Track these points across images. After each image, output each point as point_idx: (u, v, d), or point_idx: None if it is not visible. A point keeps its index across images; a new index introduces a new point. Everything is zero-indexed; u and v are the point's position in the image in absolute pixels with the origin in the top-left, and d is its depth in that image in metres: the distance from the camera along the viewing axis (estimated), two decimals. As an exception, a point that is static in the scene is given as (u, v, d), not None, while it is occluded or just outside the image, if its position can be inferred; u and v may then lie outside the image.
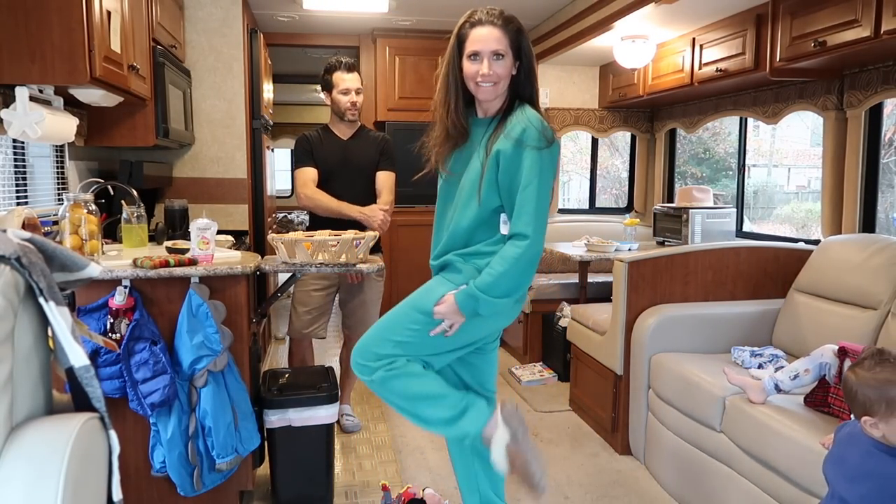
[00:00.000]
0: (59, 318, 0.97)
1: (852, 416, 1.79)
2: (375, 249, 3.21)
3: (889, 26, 2.39)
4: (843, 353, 2.06)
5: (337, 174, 3.24)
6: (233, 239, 3.37)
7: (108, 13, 2.50)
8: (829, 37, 2.65)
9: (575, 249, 4.01)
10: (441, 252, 2.03)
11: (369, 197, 3.24)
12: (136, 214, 2.81)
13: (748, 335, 2.93)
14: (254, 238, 4.30)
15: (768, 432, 2.13)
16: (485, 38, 1.88)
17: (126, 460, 2.36)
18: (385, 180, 3.29)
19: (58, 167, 3.16)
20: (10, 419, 0.91)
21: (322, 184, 3.22)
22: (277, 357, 4.90)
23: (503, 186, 1.89)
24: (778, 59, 2.98)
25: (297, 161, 3.26)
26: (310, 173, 3.22)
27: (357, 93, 3.20)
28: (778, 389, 2.22)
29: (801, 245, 3.24)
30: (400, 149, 3.29)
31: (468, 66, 1.91)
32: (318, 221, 3.21)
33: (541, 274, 4.63)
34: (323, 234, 2.64)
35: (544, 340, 4.43)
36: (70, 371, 1.00)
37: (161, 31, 3.30)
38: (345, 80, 3.19)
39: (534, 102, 1.96)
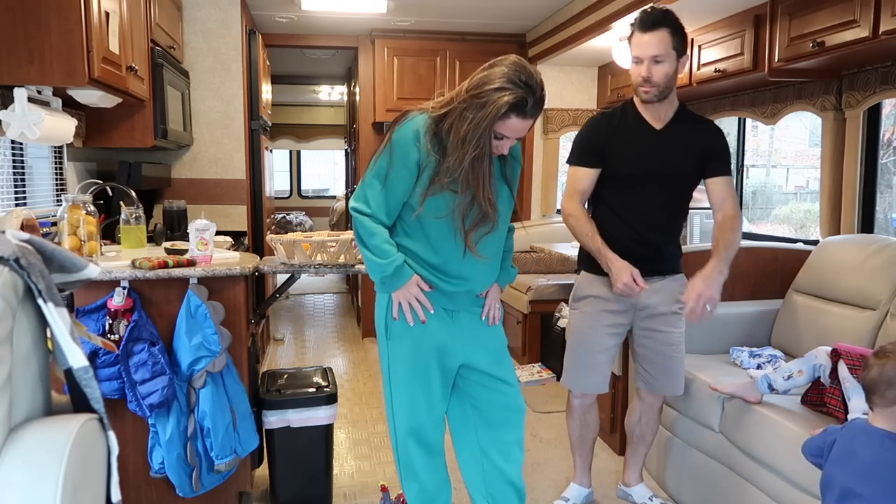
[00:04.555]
0: (58, 319, 0.97)
1: (860, 414, 1.81)
2: None
3: (887, 27, 2.39)
4: (835, 354, 2.06)
5: (638, 181, 2.35)
6: (231, 240, 3.37)
7: (107, 14, 2.50)
8: (828, 37, 2.65)
9: (573, 250, 4.00)
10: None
11: (678, 221, 2.45)
12: (134, 215, 2.81)
13: (747, 336, 2.93)
14: (252, 239, 4.29)
15: (766, 432, 2.13)
16: (520, 129, 1.85)
17: (125, 461, 2.36)
18: (724, 194, 2.37)
19: (56, 168, 3.15)
20: (9, 420, 0.91)
21: (614, 193, 2.39)
22: (276, 358, 4.90)
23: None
24: (776, 60, 2.98)
25: (572, 154, 2.43)
26: (583, 177, 2.39)
27: (657, 61, 2.20)
28: (771, 389, 2.23)
29: (800, 245, 3.24)
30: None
31: (494, 142, 1.87)
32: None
33: (539, 274, 4.63)
34: (321, 235, 2.64)
35: (543, 341, 4.44)
36: (69, 372, 1.00)
37: (159, 31, 3.30)
38: (636, 42, 2.24)
39: None
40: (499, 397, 2.05)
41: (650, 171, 2.34)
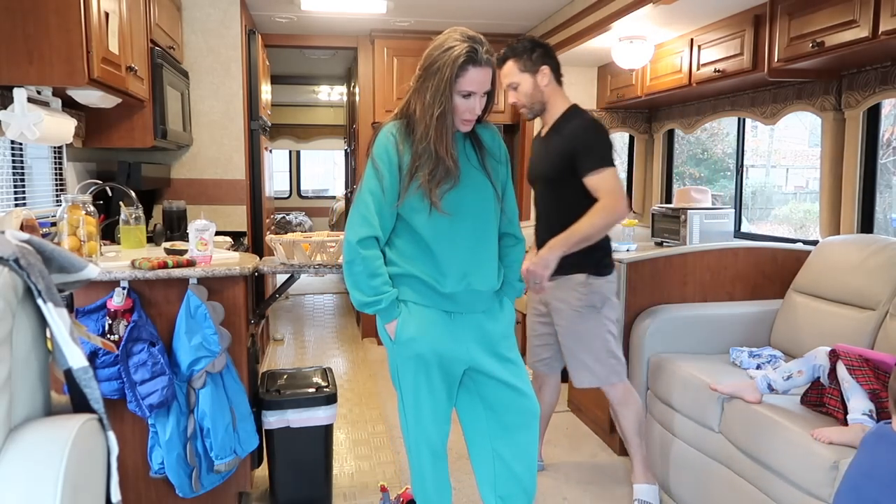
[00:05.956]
0: (58, 319, 0.97)
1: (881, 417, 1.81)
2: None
3: (887, 27, 2.39)
4: (834, 355, 2.07)
5: (533, 184, 2.76)
6: (231, 240, 3.37)
7: (106, 14, 2.50)
8: (828, 37, 2.65)
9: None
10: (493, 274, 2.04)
11: (561, 221, 2.48)
12: (134, 216, 2.81)
13: (746, 336, 2.93)
14: (252, 239, 4.29)
15: (766, 433, 2.13)
16: (482, 80, 1.87)
17: (124, 461, 2.36)
18: (592, 189, 2.44)
19: (56, 168, 3.15)
20: (9, 420, 0.91)
21: None
22: (276, 358, 4.90)
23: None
24: (776, 60, 2.98)
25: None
26: None
27: (513, 88, 2.54)
28: (771, 389, 2.23)
29: (800, 246, 3.24)
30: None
31: (460, 102, 1.88)
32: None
33: (539, 275, 4.63)
34: (321, 235, 2.64)
35: (543, 341, 4.43)
36: (68, 372, 1.00)
37: (159, 32, 3.30)
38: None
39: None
40: (511, 401, 2.04)
41: (532, 176, 2.71)
